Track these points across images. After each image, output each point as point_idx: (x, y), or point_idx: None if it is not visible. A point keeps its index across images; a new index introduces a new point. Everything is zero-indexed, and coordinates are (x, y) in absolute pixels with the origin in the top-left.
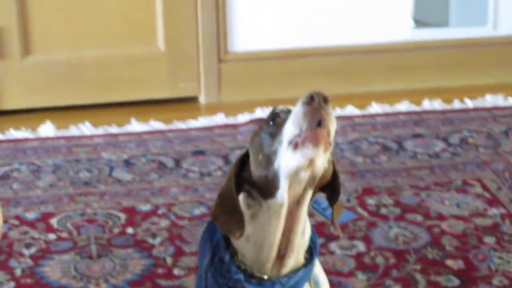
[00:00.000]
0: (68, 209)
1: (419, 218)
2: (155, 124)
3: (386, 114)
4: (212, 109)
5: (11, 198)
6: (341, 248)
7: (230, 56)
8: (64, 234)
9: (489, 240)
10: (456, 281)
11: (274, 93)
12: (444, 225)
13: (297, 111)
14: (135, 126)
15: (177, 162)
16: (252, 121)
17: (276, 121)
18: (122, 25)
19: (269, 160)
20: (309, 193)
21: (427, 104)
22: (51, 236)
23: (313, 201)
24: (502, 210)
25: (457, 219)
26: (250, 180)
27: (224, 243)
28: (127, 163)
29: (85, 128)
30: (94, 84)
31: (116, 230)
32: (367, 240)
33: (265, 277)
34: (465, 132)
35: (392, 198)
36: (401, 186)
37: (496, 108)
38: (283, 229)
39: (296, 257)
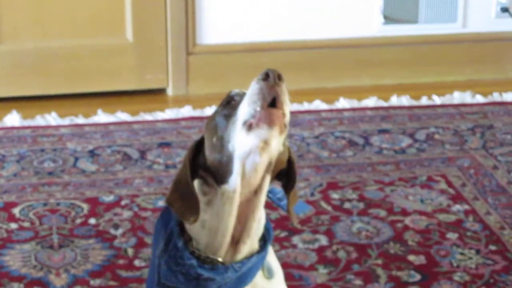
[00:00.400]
0: (31, 199)
1: (382, 213)
2: (122, 116)
3: (354, 109)
4: (179, 102)
5: None
6: (304, 241)
7: (199, 49)
8: (26, 224)
9: (452, 236)
10: (417, 276)
11: (242, 86)
12: (407, 221)
13: (252, 88)
14: (101, 117)
15: (142, 154)
16: None
17: (230, 103)
18: (91, 16)
19: (223, 142)
20: (267, 181)
21: (395, 100)
22: (13, 226)
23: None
24: (466, 207)
25: (421, 215)
26: (205, 165)
27: (178, 229)
28: (92, 154)
29: (51, 118)
30: (61, 75)
31: (78, 221)
32: (329, 234)
33: (220, 259)
34: (432, 129)
35: (356, 193)
36: (365, 181)
37: (463, 105)
38: (239, 216)
39: (251, 243)
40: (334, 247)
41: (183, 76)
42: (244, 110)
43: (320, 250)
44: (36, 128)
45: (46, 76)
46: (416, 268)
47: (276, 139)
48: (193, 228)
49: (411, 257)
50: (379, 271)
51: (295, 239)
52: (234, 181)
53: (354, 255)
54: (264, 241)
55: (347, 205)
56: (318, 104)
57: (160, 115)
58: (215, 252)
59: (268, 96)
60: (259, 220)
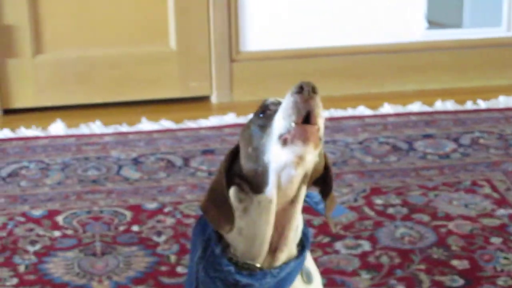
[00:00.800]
0: (75, 207)
1: (426, 218)
2: (166, 123)
3: (398, 115)
4: (223, 109)
5: (18, 195)
6: (346, 247)
7: (242, 56)
8: (69, 232)
9: (496, 240)
10: (460, 281)
11: (286, 93)
12: (451, 225)
13: (287, 102)
14: (145, 125)
15: (186, 161)
16: None
17: (266, 113)
18: (134, 24)
19: (259, 153)
20: (303, 191)
21: (440, 105)
22: (56, 233)
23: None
24: (510, 211)
25: (464, 219)
26: (240, 173)
27: (216, 236)
28: (136, 162)
29: (96, 127)
30: (105, 83)
31: (121, 228)
32: (372, 239)
33: (258, 265)
34: (477, 133)
35: (400, 198)
36: (409, 186)
37: (508, 109)
38: (276, 225)
39: (289, 250)
40: (377, 253)
41: (227, 83)
42: (279, 124)
43: (363, 255)
44: (80, 137)
45: (90, 85)
46: (460, 273)
47: (311, 154)
48: (230, 235)
49: (455, 262)
50: (422, 276)
51: (338, 245)
52: (270, 192)
53: (397, 260)
54: (302, 246)
55: (390, 210)
56: (362, 110)
57: (204, 123)
58: (253, 259)
59: (303, 110)
60: (296, 228)
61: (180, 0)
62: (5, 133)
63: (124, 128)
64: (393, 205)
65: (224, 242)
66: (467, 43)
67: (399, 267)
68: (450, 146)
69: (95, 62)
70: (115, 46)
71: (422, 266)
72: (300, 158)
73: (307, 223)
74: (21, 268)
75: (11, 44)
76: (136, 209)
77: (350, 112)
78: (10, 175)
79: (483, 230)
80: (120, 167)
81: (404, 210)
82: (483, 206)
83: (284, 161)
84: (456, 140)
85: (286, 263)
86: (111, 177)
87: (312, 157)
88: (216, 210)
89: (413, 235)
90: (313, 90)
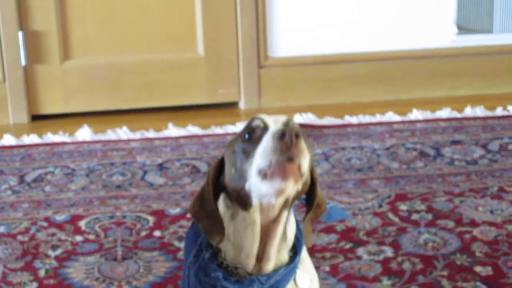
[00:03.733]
0: (98, 212)
1: (450, 224)
2: (192, 129)
3: (427, 121)
4: (251, 115)
5: (42, 200)
6: (369, 253)
7: (270, 62)
8: (91, 236)
9: None
10: None
11: (314, 99)
12: (475, 232)
13: (267, 144)
14: (172, 131)
15: None
16: None
17: (251, 136)
18: (162, 31)
19: (241, 177)
20: (285, 214)
21: (469, 111)
22: (78, 238)
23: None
24: None
25: (490, 226)
26: (226, 186)
27: (207, 241)
28: (161, 167)
29: (122, 133)
30: (133, 89)
31: (143, 233)
32: (395, 245)
33: (249, 270)
34: (506, 139)
35: (425, 204)
36: (435, 192)
37: None
38: (261, 238)
39: (278, 259)
40: (400, 259)
41: (255, 89)
42: (258, 161)
43: (385, 261)
44: (107, 142)
45: (117, 91)
46: (483, 279)
47: (291, 188)
48: None
49: (478, 268)
50: (444, 282)
51: (360, 251)
52: (253, 214)
53: (419, 266)
54: (294, 252)
55: (415, 216)
56: (390, 116)
57: (231, 128)
58: (241, 265)
59: (282, 157)
60: (282, 238)
61: (208, 7)
62: (32, 138)
63: (151, 134)
64: (417, 211)
65: (215, 247)
66: (497, 49)
67: (421, 273)
68: (478, 152)
69: (123, 68)
70: (143, 52)
71: (445, 273)
72: (280, 192)
73: (330, 229)
74: (42, 273)
75: (39, 50)
76: (159, 214)
77: (378, 118)
78: (35, 180)
79: (508, 237)
80: (145, 173)
81: (429, 216)
82: (509, 212)
83: (264, 192)
84: (484, 146)
85: (275, 271)
86: (135, 182)
87: (292, 190)
88: (208, 220)
89: (437, 241)
90: (296, 137)
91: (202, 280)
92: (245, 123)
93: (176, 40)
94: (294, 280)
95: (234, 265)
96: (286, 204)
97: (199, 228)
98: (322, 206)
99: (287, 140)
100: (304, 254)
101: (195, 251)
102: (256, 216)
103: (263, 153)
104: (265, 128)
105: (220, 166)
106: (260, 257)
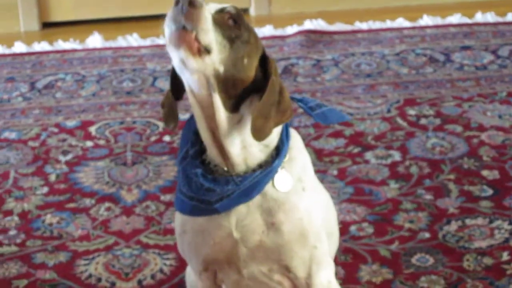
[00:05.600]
0: (108, 118)
1: (458, 128)
2: None
3: (437, 27)
4: (261, 21)
5: (53, 106)
6: (376, 157)
7: None
8: (101, 142)
9: None
10: (489, 191)
11: (325, 5)
12: (483, 136)
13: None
14: None
15: None
16: (300, 33)
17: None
18: None
19: None
20: (216, 97)
21: (480, 17)
22: (89, 144)
23: (298, 99)
24: None
25: (498, 130)
26: None
27: (194, 138)
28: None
29: (133, 39)
30: None
31: (153, 138)
32: (403, 150)
33: (225, 168)
34: None
35: (434, 109)
36: (444, 97)
37: None
38: (210, 130)
39: (248, 161)
40: (407, 163)
41: None
42: (165, 29)
43: (393, 165)
44: (117, 49)
45: None
46: (489, 183)
47: (191, 60)
48: (204, 138)
49: (485, 172)
50: (451, 185)
51: (368, 155)
52: (189, 96)
53: (426, 170)
54: (276, 154)
55: (423, 121)
56: (401, 22)
57: None
58: (219, 164)
59: (178, 23)
60: (242, 142)
61: None
62: (43, 46)
63: (161, 40)
64: (426, 116)
65: (203, 146)
66: None
67: (428, 177)
68: (488, 57)
69: None
70: None
71: (452, 176)
72: (182, 62)
73: (338, 133)
74: (52, 177)
75: None
76: None
77: (388, 24)
78: (46, 87)
79: None
80: (155, 79)
81: (437, 121)
82: None
83: (176, 64)
84: (494, 52)
85: (251, 173)
86: (145, 88)
87: (195, 64)
88: (167, 107)
89: (445, 146)
90: (190, 4)
91: (190, 177)
92: (255, 29)
93: None
94: (272, 182)
95: (214, 163)
96: (213, 87)
97: (191, 126)
98: (287, 111)
99: (179, 7)
100: (298, 157)
101: (186, 148)
102: (191, 98)
103: (165, 21)
104: None
105: None
106: (226, 157)
